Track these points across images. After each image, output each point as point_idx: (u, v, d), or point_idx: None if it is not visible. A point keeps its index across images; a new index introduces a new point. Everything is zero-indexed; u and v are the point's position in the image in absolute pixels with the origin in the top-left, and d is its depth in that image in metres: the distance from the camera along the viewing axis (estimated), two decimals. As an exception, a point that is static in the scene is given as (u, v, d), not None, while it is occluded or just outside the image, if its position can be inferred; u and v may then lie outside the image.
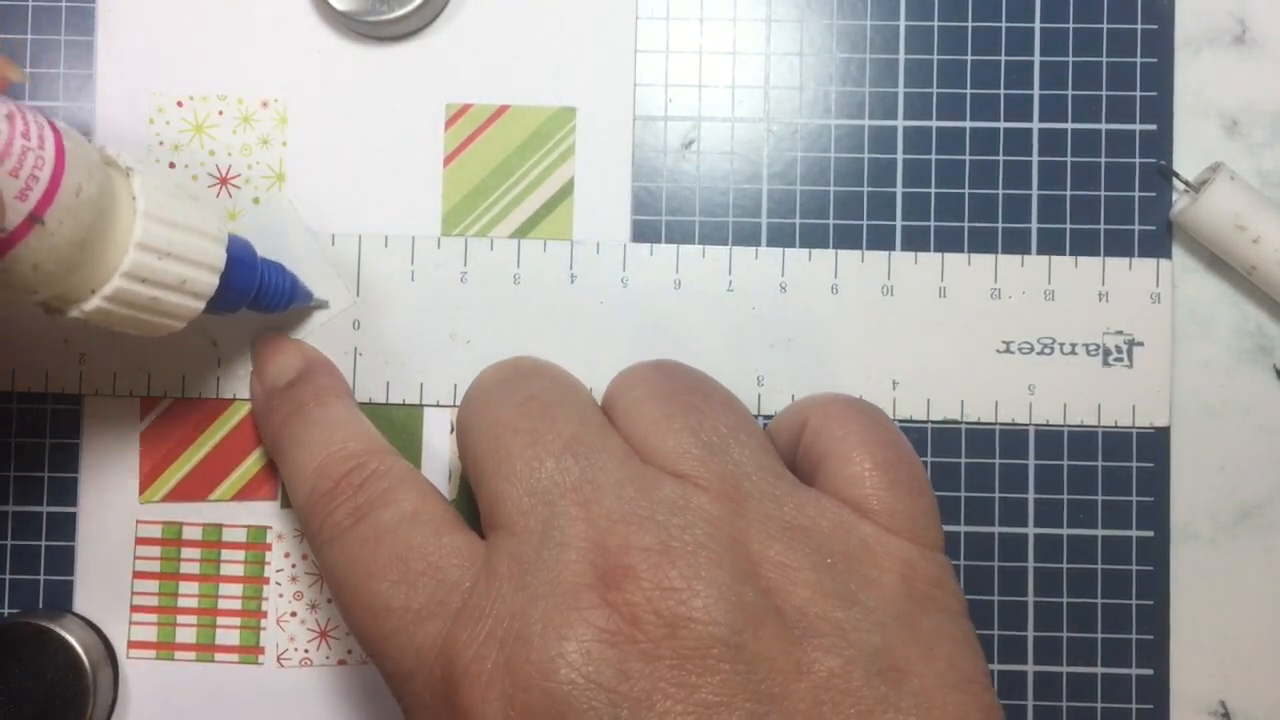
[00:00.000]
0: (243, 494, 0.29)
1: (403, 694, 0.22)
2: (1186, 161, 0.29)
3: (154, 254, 0.23)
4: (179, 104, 0.29)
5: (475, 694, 0.20)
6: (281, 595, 0.29)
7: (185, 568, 0.29)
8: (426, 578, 0.22)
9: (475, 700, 0.20)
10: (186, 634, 0.29)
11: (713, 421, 0.23)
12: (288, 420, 0.27)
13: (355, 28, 0.29)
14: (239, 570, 0.29)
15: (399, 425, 0.29)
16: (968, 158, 0.29)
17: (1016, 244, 0.29)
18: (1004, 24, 0.30)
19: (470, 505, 0.25)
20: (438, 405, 0.29)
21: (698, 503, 0.22)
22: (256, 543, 0.29)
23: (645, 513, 0.21)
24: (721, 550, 0.21)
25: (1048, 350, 0.29)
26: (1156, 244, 0.29)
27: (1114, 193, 0.29)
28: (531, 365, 0.26)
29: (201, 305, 0.24)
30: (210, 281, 0.24)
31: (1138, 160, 0.30)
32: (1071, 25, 0.30)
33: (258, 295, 0.26)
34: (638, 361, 0.26)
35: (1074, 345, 0.29)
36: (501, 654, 0.20)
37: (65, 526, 0.29)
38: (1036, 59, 0.30)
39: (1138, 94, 0.30)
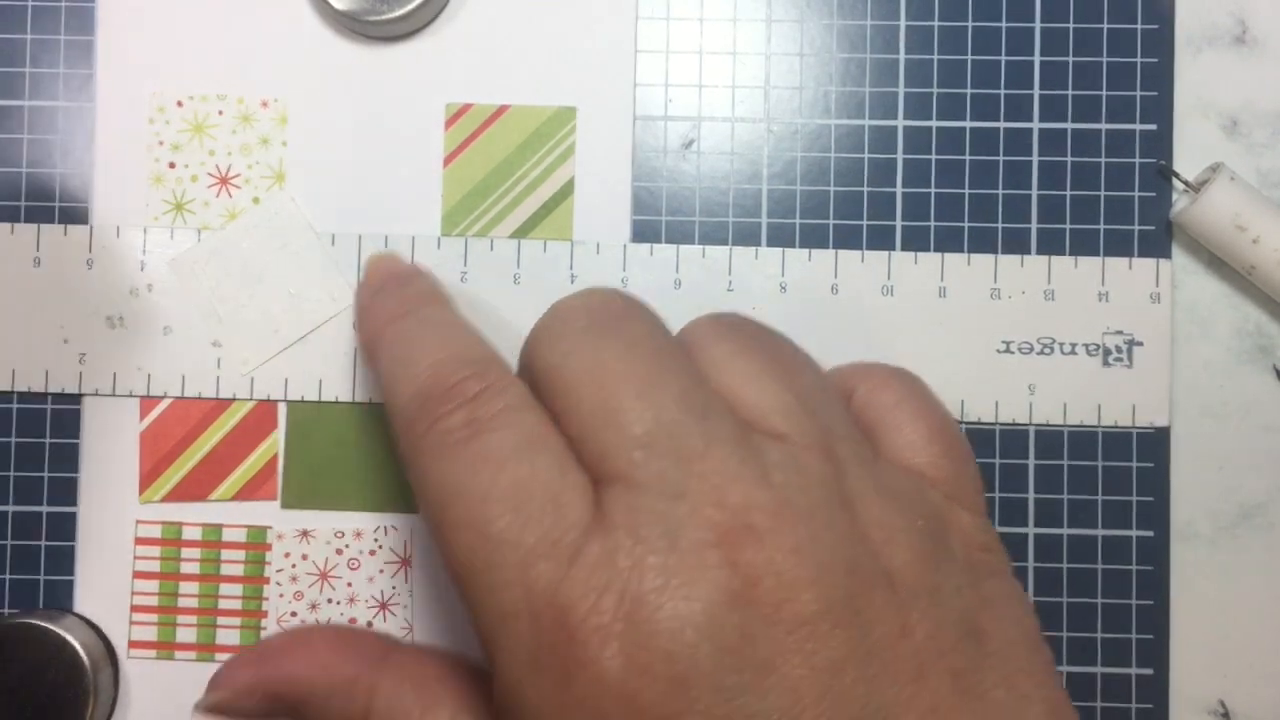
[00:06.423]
0: (243, 494, 0.29)
1: (497, 632, 0.21)
2: (1186, 161, 0.29)
3: None
4: (179, 104, 0.29)
5: (592, 648, 0.19)
6: (282, 595, 0.29)
7: (185, 568, 0.29)
8: (547, 513, 0.21)
9: (591, 655, 0.19)
10: (187, 634, 0.29)
11: (802, 381, 0.23)
12: (399, 317, 0.25)
13: (355, 28, 0.29)
14: (239, 570, 0.29)
15: (399, 425, 0.29)
16: (968, 158, 0.29)
17: (1016, 244, 0.29)
18: (1004, 24, 0.30)
19: None
20: (438, 405, 0.29)
21: (807, 462, 0.21)
22: (256, 543, 0.29)
23: (760, 472, 0.21)
24: (834, 512, 0.21)
25: (1048, 350, 0.29)
26: (1156, 244, 0.29)
27: (1114, 193, 0.29)
28: (623, 305, 0.24)
29: None
30: None
31: (1138, 160, 0.30)
32: (1071, 25, 0.30)
33: None
34: (702, 316, 0.25)
35: (1074, 345, 0.29)
36: (621, 608, 0.19)
37: (65, 526, 0.29)
38: (1036, 59, 0.30)
39: (1138, 94, 0.30)
